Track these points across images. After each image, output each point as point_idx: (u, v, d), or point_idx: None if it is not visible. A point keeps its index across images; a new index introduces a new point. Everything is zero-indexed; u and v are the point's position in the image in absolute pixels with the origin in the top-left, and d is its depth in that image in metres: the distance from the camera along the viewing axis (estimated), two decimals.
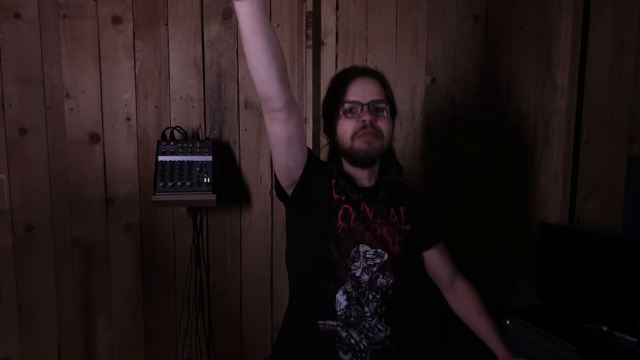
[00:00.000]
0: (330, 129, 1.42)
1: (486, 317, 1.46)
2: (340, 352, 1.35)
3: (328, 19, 2.08)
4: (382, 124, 1.35)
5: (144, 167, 2.02)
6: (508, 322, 2.06)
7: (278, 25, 2.05)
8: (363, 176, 1.41)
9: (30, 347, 2.02)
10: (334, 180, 1.39)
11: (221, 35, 2.03)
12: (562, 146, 2.28)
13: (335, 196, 1.37)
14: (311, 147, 2.03)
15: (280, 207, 2.11)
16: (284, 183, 1.34)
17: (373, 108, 1.34)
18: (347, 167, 1.41)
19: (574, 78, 2.25)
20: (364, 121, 1.33)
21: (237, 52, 2.04)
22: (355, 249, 1.36)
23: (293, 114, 1.18)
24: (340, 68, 2.09)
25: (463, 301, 1.50)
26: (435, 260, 1.52)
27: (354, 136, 1.34)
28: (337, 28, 2.09)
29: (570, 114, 2.26)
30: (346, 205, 1.37)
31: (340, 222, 1.36)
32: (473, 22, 2.19)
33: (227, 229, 2.10)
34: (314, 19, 2.04)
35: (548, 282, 2.21)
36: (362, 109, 1.34)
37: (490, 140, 2.25)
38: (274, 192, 1.45)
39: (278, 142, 1.23)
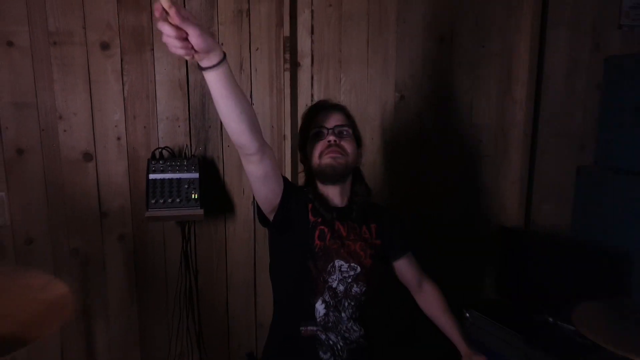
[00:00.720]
0: (304, 156, 1.62)
1: (450, 316, 1.68)
2: (320, 352, 1.57)
3: (304, 42, 2.23)
4: (346, 144, 1.57)
5: (134, 183, 2.18)
6: (467, 314, 2.31)
7: (257, 48, 2.20)
8: (335, 195, 1.61)
9: (35, 347, 2.20)
10: (310, 204, 1.59)
11: None
12: (519, 156, 2.49)
13: (312, 218, 1.57)
14: (289, 164, 2.21)
15: None
16: (265, 211, 1.53)
17: (337, 131, 1.56)
18: (321, 187, 1.61)
19: (531, 93, 2.45)
20: (329, 141, 1.54)
21: None
22: (331, 264, 1.57)
23: (266, 156, 1.36)
24: (315, 88, 2.27)
25: (429, 302, 1.72)
26: (404, 268, 1.73)
27: (321, 155, 1.55)
28: (312, 51, 2.25)
29: (527, 127, 2.46)
30: (322, 227, 1.57)
31: (317, 241, 1.56)
32: (439, 42, 2.37)
33: (213, 237, 2.28)
34: (291, 43, 2.19)
35: (505, 279, 2.46)
36: (327, 132, 1.56)
37: (454, 152, 2.45)
38: (257, 218, 1.63)
39: (255, 180, 1.42)
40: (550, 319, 2.17)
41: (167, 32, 1.02)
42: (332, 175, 1.57)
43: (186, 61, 2.15)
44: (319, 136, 1.58)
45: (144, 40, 2.12)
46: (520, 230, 2.49)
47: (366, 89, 2.32)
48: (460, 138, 2.45)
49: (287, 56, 2.17)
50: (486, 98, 2.46)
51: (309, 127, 1.60)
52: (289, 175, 2.18)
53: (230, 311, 2.37)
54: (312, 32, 2.24)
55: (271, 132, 2.26)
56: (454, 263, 2.46)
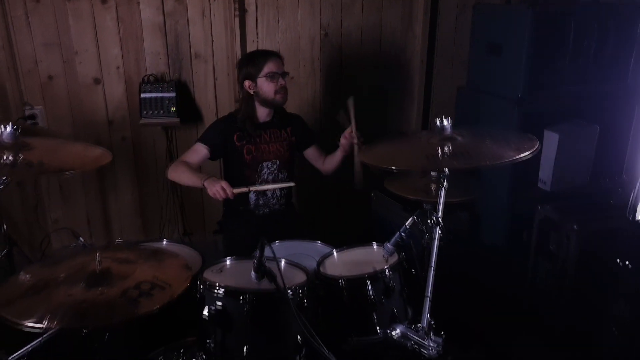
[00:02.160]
0: (250, 85, 2.47)
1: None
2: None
3: None
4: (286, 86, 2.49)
5: (130, 99, 3.08)
6: (372, 194, 3.23)
7: (215, 0, 3.01)
8: (266, 113, 2.54)
9: (70, 212, 3.21)
10: (235, 134, 2.51)
11: (176, 8, 2.99)
12: (418, 79, 3.31)
13: (238, 144, 2.51)
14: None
15: None
16: None
17: (284, 75, 2.47)
18: (258, 107, 2.51)
19: (426, 29, 3.22)
20: (281, 85, 2.45)
21: (187, 20, 3.02)
22: (260, 165, 2.55)
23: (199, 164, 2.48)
24: (260, 29, 3.08)
25: (327, 162, 2.69)
26: (312, 154, 2.69)
27: (275, 92, 2.45)
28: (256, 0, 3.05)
29: (424, 56, 3.26)
30: (248, 145, 2.52)
31: (246, 157, 2.52)
32: None
33: (187, 138, 3.20)
34: None
35: None
36: (280, 77, 2.45)
37: (369, 77, 3.28)
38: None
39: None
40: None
41: (222, 196, 2.24)
42: (280, 107, 2.53)
43: (163, 9, 2.98)
44: (274, 77, 2.45)
45: None
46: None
47: (298, 28, 3.13)
48: (373, 66, 3.27)
49: (237, 5, 2.98)
50: (392, 33, 3.25)
51: (261, 68, 2.43)
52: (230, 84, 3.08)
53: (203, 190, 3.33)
54: None
55: (227, 62, 3.11)
56: None
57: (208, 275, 1.84)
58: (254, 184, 2.50)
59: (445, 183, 1.67)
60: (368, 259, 1.99)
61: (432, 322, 1.69)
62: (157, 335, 1.90)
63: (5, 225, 2.18)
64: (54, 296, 1.50)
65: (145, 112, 2.94)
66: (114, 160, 2.91)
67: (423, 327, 1.70)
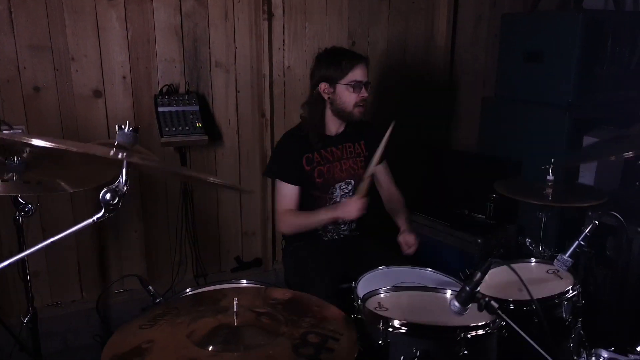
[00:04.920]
0: (326, 87, 2.11)
1: (404, 211, 2.33)
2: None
3: None
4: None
5: (138, 115, 2.55)
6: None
7: (239, 1, 2.62)
8: (337, 124, 2.19)
9: (54, 261, 2.53)
10: (304, 157, 2.13)
11: (195, 9, 2.55)
12: (440, 91, 3.19)
13: (307, 168, 2.14)
14: (268, 97, 2.72)
15: (246, 143, 2.79)
16: None
17: (367, 86, 2.12)
18: (330, 117, 2.16)
19: (449, 40, 3.13)
20: (363, 97, 2.11)
21: (207, 22, 2.59)
22: (332, 187, 2.19)
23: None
24: (286, 35, 2.75)
25: (393, 202, 2.36)
26: (380, 173, 2.32)
27: (355, 105, 2.10)
28: (283, 3, 2.72)
29: (447, 66, 3.16)
30: (319, 167, 2.15)
31: (317, 180, 2.15)
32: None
33: (206, 160, 2.73)
34: None
35: (432, 186, 3.19)
36: (363, 88, 2.10)
37: (392, 85, 3.08)
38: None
39: None
40: (466, 211, 2.93)
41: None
42: (355, 121, 2.17)
43: (180, 9, 2.53)
44: (357, 87, 2.10)
45: None
46: (442, 149, 3.22)
47: (326, 35, 2.85)
48: (396, 73, 3.08)
49: (265, 7, 2.63)
50: (415, 43, 3.11)
51: (346, 73, 2.08)
52: (267, 101, 2.73)
53: (220, 223, 2.86)
54: None
55: (251, 72, 2.73)
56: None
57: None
58: (319, 207, 2.17)
59: None
60: (528, 277, 1.74)
61: None
62: None
63: None
64: None
65: (167, 129, 2.43)
66: None
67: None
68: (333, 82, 2.11)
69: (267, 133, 2.77)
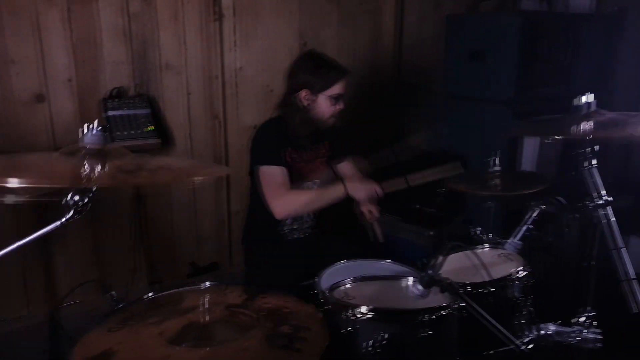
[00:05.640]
0: (308, 95, 2.11)
1: None
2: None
3: None
4: None
5: (86, 119, 2.44)
6: None
7: (188, 2, 2.59)
8: (309, 127, 2.19)
9: None
10: (288, 150, 2.14)
11: (143, 10, 2.50)
12: (390, 90, 3.27)
13: (289, 160, 2.15)
14: (220, 97, 2.69)
15: (199, 145, 2.75)
16: None
17: (343, 98, 2.16)
18: (303, 119, 2.14)
19: (396, 41, 3.22)
20: (339, 109, 2.15)
21: (156, 24, 2.54)
22: (300, 185, 2.21)
23: None
24: (237, 36, 2.74)
25: None
26: (345, 171, 2.37)
27: (330, 115, 2.13)
28: (233, 3, 2.70)
29: (395, 67, 3.25)
30: (297, 164, 2.18)
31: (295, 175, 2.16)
32: (329, 1, 2.99)
33: None
34: None
35: None
36: (340, 100, 2.14)
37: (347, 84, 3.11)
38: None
39: None
40: (418, 206, 3.01)
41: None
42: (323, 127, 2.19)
43: (128, 9, 2.47)
44: (338, 100, 2.13)
45: None
46: (393, 147, 3.29)
47: (277, 36, 2.86)
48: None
49: (216, 8, 2.61)
50: (363, 44, 3.17)
51: (330, 85, 2.10)
52: (219, 102, 2.72)
53: (174, 228, 2.80)
54: None
55: (202, 73, 2.69)
56: None
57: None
58: None
59: (594, 161, 1.61)
60: (473, 263, 1.82)
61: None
62: None
63: None
64: None
65: (117, 134, 2.37)
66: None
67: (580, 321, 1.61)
68: (316, 91, 2.13)
69: (220, 134, 2.75)
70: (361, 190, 2.08)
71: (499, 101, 2.90)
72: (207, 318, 1.28)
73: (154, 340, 1.18)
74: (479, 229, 2.33)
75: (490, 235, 2.29)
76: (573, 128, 1.55)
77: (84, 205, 1.07)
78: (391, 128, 3.35)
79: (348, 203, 2.28)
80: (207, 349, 1.17)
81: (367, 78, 3.22)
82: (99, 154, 1.22)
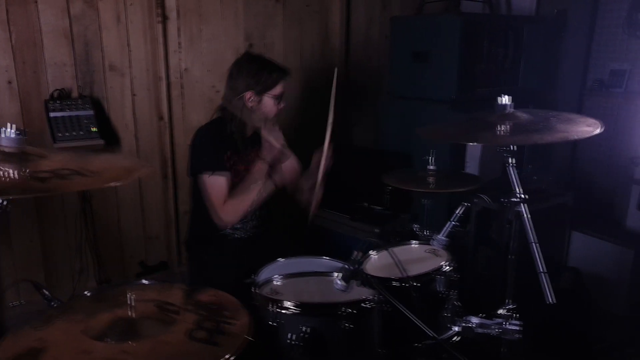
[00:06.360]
0: (252, 96, 2.15)
1: None
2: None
3: None
4: None
5: (28, 122, 2.46)
6: None
7: (132, 4, 2.61)
8: (251, 129, 2.24)
9: None
10: (228, 153, 2.17)
11: (84, 12, 2.51)
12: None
13: (228, 164, 2.17)
14: (165, 99, 2.73)
15: (145, 146, 2.77)
16: None
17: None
18: (247, 120, 2.19)
19: (343, 42, 3.29)
20: (282, 108, 2.21)
21: (99, 26, 2.55)
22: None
23: None
24: (182, 37, 2.76)
25: None
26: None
27: (275, 115, 2.19)
28: (177, 6, 2.73)
29: (343, 66, 3.31)
30: (237, 166, 2.20)
31: (234, 179, 2.18)
32: (275, 2, 3.03)
33: None
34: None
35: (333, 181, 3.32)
36: (282, 99, 2.20)
37: (294, 85, 3.16)
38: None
39: None
40: (365, 204, 3.09)
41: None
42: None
43: (69, 11, 2.47)
44: (278, 100, 2.18)
45: None
46: (342, 146, 3.37)
47: (223, 37, 2.90)
48: (294, 75, 3.15)
49: (160, 10, 2.63)
50: (311, 45, 3.23)
51: (273, 86, 2.16)
52: (164, 103, 2.75)
53: (121, 228, 2.82)
54: None
55: (147, 75, 2.71)
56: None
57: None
58: None
59: (512, 160, 1.69)
60: (408, 257, 1.91)
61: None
62: None
63: None
64: None
65: (60, 135, 2.37)
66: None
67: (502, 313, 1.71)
68: (260, 92, 2.17)
69: (166, 135, 2.77)
70: (270, 153, 2.16)
71: (441, 101, 2.99)
72: (134, 314, 1.32)
73: (77, 337, 1.22)
74: (417, 225, 2.43)
75: (426, 232, 2.40)
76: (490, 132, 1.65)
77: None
78: (339, 128, 3.42)
79: (292, 201, 2.36)
80: (128, 342, 1.22)
81: (315, 78, 3.28)
82: (15, 157, 1.24)
